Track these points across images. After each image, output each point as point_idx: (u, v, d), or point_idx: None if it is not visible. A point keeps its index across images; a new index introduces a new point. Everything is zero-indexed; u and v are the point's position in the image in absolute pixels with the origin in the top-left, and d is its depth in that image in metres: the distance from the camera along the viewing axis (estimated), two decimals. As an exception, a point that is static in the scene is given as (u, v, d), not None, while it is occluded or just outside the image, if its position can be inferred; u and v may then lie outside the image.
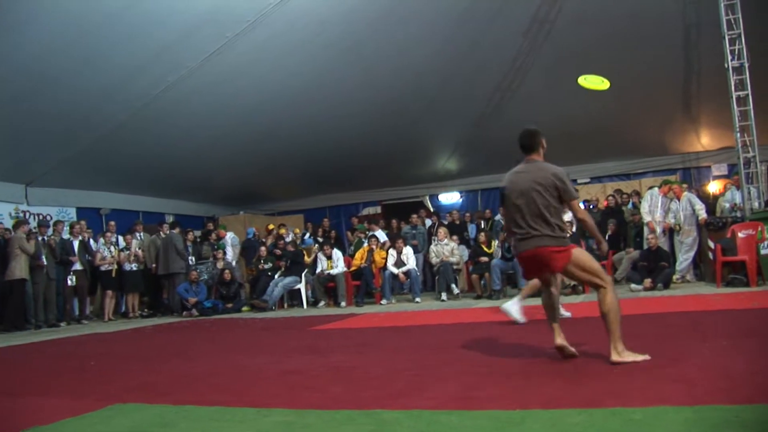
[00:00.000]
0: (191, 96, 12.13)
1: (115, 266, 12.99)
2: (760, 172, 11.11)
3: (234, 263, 14.50)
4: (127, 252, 13.15)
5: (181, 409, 4.08)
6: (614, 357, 4.50)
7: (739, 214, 11.32)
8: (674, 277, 11.04)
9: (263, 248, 14.08)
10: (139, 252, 13.34)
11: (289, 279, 12.99)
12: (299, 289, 13.16)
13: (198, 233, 15.74)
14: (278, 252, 13.71)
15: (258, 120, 13.42)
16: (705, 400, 3.34)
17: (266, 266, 13.58)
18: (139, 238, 13.73)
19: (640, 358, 4.48)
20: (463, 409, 3.60)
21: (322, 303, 12.86)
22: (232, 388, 4.73)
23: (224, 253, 14.23)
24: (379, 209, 18.41)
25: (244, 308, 13.04)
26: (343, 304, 12.42)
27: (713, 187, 14.53)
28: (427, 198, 17.80)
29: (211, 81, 11.86)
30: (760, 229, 10.14)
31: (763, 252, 10.06)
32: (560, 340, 4.90)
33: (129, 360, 6.88)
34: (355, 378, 4.80)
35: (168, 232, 13.71)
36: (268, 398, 4.23)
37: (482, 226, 14.28)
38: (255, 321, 10.84)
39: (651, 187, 12.91)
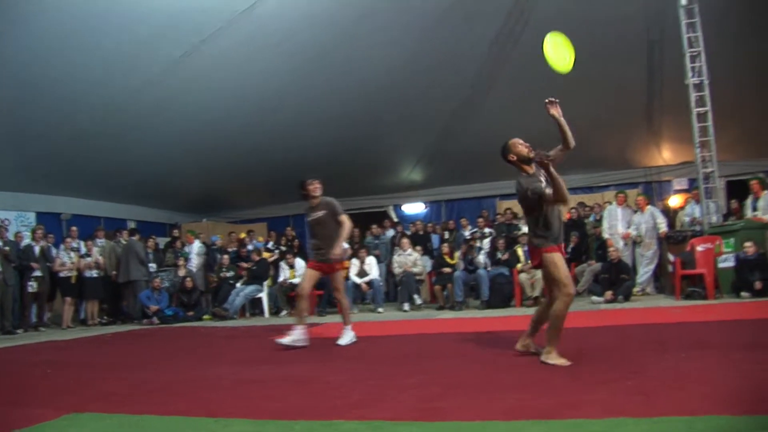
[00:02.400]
0: (156, 102, 12.03)
1: (75, 273, 12.75)
2: (719, 187, 11.29)
3: (196, 271, 14.35)
4: (89, 259, 12.92)
5: (140, 419, 4.02)
6: (543, 357, 5.05)
7: (698, 228, 11.50)
8: (635, 290, 11.15)
9: (225, 256, 13.96)
10: (100, 259, 13.13)
11: (251, 288, 12.88)
12: (261, 298, 13.06)
13: (163, 240, 15.56)
14: (244, 264, 13.60)
15: (223, 127, 13.34)
16: (663, 412, 3.37)
17: (228, 275, 13.46)
18: (99, 244, 13.51)
19: (562, 362, 4.89)
20: (422, 420, 3.59)
21: (284, 312, 12.76)
22: (192, 397, 4.65)
23: (186, 261, 14.06)
24: (342, 218, 18.32)
25: (206, 317, 12.88)
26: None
27: (674, 201, 14.73)
28: (392, 208, 17.78)
29: (177, 86, 11.76)
30: (718, 243, 10.32)
31: (720, 266, 10.24)
32: (519, 345, 5.48)
33: (87, 368, 6.70)
34: (315, 388, 4.76)
35: (128, 238, 13.51)
36: (227, 408, 4.17)
37: (445, 237, 14.29)
38: (216, 330, 10.72)
39: (608, 203, 13.08)
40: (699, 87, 11.19)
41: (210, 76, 11.83)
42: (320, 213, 7.48)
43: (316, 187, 7.60)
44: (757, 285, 9.53)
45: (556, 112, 5.30)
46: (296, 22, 11.22)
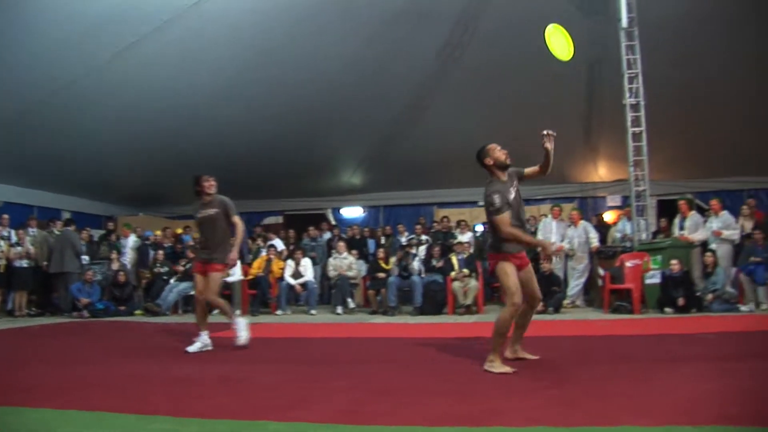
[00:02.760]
0: (97, 91, 11.80)
1: (4, 262, 12.37)
2: (650, 206, 11.58)
3: (130, 266, 14.08)
4: (19, 248, 12.55)
5: (63, 413, 3.94)
6: (486, 365, 5.09)
7: (628, 244, 11.77)
8: (565, 302, 11.34)
9: (160, 252, 13.73)
10: (32, 249, 12.76)
11: (185, 284, 12.68)
12: (193, 296, 12.85)
13: (98, 232, 15.26)
14: (180, 268, 13.37)
15: (164, 122, 13.14)
16: (581, 422, 3.46)
17: (162, 270, 13.24)
18: (31, 233, 13.13)
19: (506, 370, 4.98)
20: (348, 424, 3.60)
21: (216, 311, 12.56)
22: (118, 393, 4.57)
23: (120, 255, 13.79)
24: (281, 219, 18.23)
25: (138, 312, 12.62)
26: (237, 312, 12.16)
27: (607, 216, 15.05)
28: (330, 211, 17.75)
29: (120, 78, 11.57)
30: (646, 259, 10.58)
31: (647, 281, 10.50)
32: (509, 353, 5.55)
33: (11, 361, 6.54)
34: (243, 388, 4.73)
35: (62, 229, 13.19)
36: (152, 405, 4.11)
37: (382, 243, 14.32)
38: (147, 325, 10.54)
39: (543, 215, 13.30)
40: (635, 108, 11.48)
41: (153, 69, 11.65)
42: (212, 211, 7.27)
43: (211, 184, 7.43)
44: (680, 301, 9.84)
45: (550, 145, 5.41)
46: (243, 20, 11.15)
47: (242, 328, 7.24)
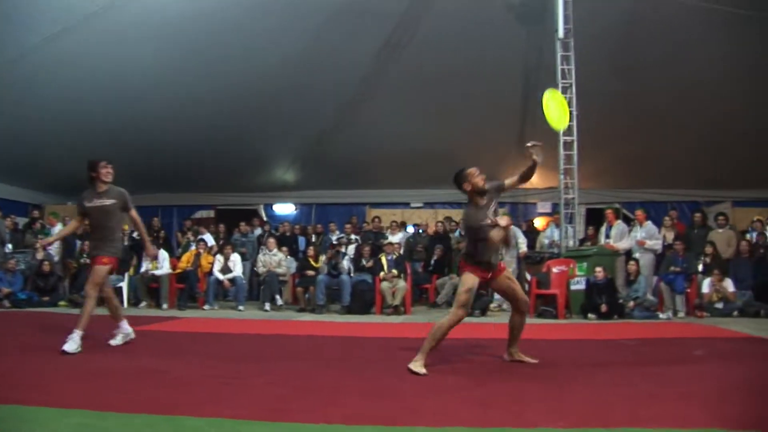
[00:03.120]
0: (27, 78, 11.56)
1: None
2: (579, 214, 11.80)
3: (56, 256, 13.68)
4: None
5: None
6: (411, 364, 5.09)
7: (555, 251, 11.98)
8: (492, 305, 11.44)
9: (87, 242, 13.35)
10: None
11: (110, 277, 12.37)
12: (121, 288, 12.59)
13: (23, 220, 14.83)
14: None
15: (95, 110, 12.85)
16: (497, 423, 3.52)
17: (88, 261, 12.87)
18: (-48, 219, 12.67)
19: (422, 372, 4.99)
20: (267, 420, 3.60)
21: (143, 304, 12.37)
22: (35, 386, 4.46)
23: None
24: (212, 213, 17.99)
25: (62, 303, 12.29)
26: (164, 306, 12.00)
27: (537, 223, 15.29)
28: (262, 207, 17.58)
29: (51, 63, 11.30)
30: (571, 266, 10.78)
31: (572, 288, 10.70)
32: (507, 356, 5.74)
33: None
34: (164, 382, 4.68)
35: (-11, 216, 12.79)
36: (68, 398, 4.03)
37: (312, 240, 14.26)
38: (70, 317, 10.19)
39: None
40: (568, 117, 11.67)
41: (84, 57, 11.40)
42: (108, 202, 6.77)
43: (108, 172, 6.93)
44: (603, 308, 10.06)
45: (539, 158, 5.44)
46: (178, 13, 10.99)
47: (124, 330, 6.93)
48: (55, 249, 13.77)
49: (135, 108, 13.04)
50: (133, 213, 6.95)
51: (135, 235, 14.48)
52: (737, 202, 15.16)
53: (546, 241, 12.59)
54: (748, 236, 12.38)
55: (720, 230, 12.02)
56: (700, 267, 10.97)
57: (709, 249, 11.21)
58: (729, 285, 10.67)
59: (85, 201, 6.81)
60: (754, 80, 12.30)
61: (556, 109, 5.63)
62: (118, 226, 6.95)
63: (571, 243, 11.83)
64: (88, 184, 6.92)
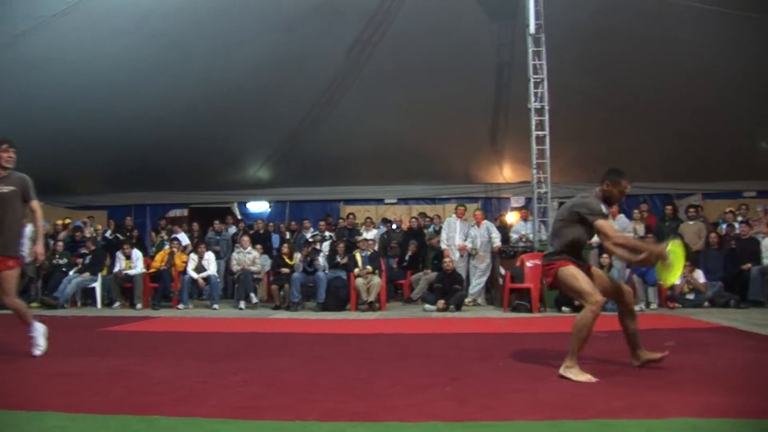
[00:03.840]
0: (-4, 74, 11.35)
1: None
2: (551, 207, 11.87)
3: (27, 257, 13.47)
4: None
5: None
6: (561, 370, 4.71)
7: (523, 243, 12.02)
8: (466, 300, 11.48)
9: (59, 243, 13.22)
10: None
11: (84, 277, 12.27)
12: (94, 288, 12.47)
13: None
14: (83, 250, 12.89)
15: (67, 108, 12.74)
16: (473, 417, 3.55)
17: (61, 261, 12.76)
18: None
19: (584, 378, 4.57)
20: (242, 419, 3.59)
21: (117, 304, 12.25)
22: (6, 389, 4.40)
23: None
24: (186, 212, 17.87)
25: (34, 304, 12.10)
26: (138, 306, 11.89)
27: (511, 217, 15.33)
28: (236, 205, 17.50)
29: (21, 61, 11.15)
30: (545, 260, 10.81)
31: (546, 281, 10.74)
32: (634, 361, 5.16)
33: None
34: (137, 382, 4.64)
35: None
36: (41, 401, 3.99)
37: (286, 238, 14.22)
38: (43, 319, 10.08)
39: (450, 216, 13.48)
40: (540, 112, 11.74)
41: (56, 53, 11.30)
42: (6, 189, 5.93)
43: (10, 156, 6.04)
44: (577, 301, 10.10)
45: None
46: (151, 10, 10.92)
47: (40, 336, 6.08)
48: (26, 249, 13.57)
49: (106, 107, 12.93)
50: (34, 204, 6.18)
51: (108, 234, 14.42)
52: (707, 194, 15.36)
53: (515, 236, 12.57)
54: (719, 228, 12.54)
55: (690, 222, 12.17)
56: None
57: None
58: (700, 276, 10.81)
59: None
60: (724, 74, 12.48)
61: (676, 263, 5.20)
62: (20, 220, 6.22)
63: (544, 237, 11.89)
64: None
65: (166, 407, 3.81)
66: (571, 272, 4.97)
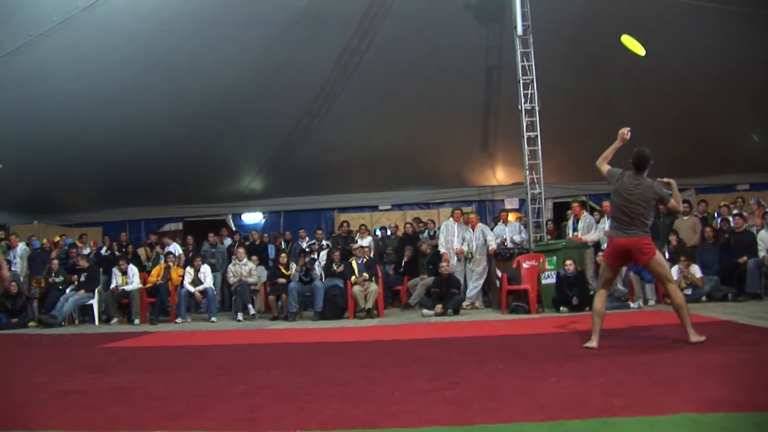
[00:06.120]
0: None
1: None
2: (545, 208, 11.88)
3: (22, 277, 13.44)
4: None
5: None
6: (692, 338, 5.91)
7: (510, 246, 12.03)
8: (464, 304, 11.46)
9: (55, 261, 13.16)
10: None
11: (80, 294, 12.23)
12: (91, 305, 12.42)
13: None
14: (78, 265, 12.83)
15: (57, 126, 12.75)
16: (474, 421, 3.53)
17: (57, 279, 12.70)
18: None
19: (702, 338, 5.91)
20: (241, 430, 3.59)
21: (114, 320, 12.22)
22: (4, 408, 4.39)
23: (10, 264, 13.14)
24: (180, 226, 17.83)
25: (31, 323, 12.07)
26: (136, 321, 11.87)
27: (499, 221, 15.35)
28: (230, 217, 17.47)
29: (9, 80, 11.16)
30: (541, 260, 10.83)
31: (543, 282, 10.76)
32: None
33: None
34: (137, 398, 4.62)
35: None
36: (41, 419, 3.98)
37: (282, 248, 14.19)
38: (41, 337, 10.11)
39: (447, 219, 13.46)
40: (530, 113, 11.78)
41: (44, 71, 11.31)
42: None
43: None
44: (575, 300, 10.11)
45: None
46: (138, 25, 10.95)
47: None
48: (19, 268, 13.54)
49: (94, 124, 12.95)
50: None
51: (103, 251, 14.37)
52: (700, 189, 15.37)
53: (498, 240, 12.49)
54: (714, 222, 12.55)
55: (685, 218, 12.17)
56: (666, 255, 11.09)
57: (672, 237, 11.36)
58: (696, 271, 10.81)
59: None
60: (715, 71, 12.53)
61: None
62: None
63: (545, 237, 11.95)
64: None
65: (166, 422, 3.80)
66: (661, 257, 6.29)
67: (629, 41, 7.34)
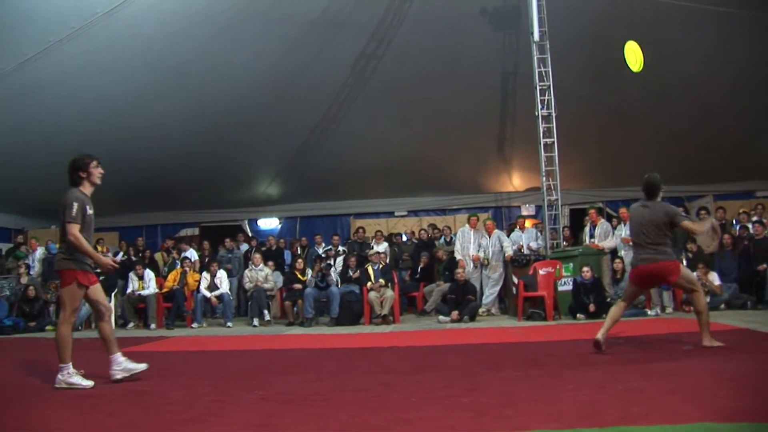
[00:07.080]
0: (5, 101, 11.47)
1: None
2: (561, 214, 11.84)
3: (40, 280, 13.54)
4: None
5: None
6: (705, 342, 6.13)
7: (526, 252, 11.99)
8: (480, 310, 11.42)
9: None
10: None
11: (98, 297, 12.29)
12: (109, 309, 12.48)
13: (6, 246, 14.73)
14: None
15: (75, 131, 12.71)
16: (491, 428, 3.51)
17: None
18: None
19: (716, 343, 6.08)
20: (255, 437, 3.56)
21: (131, 324, 12.28)
22: (23, 411, 4.43)
23: (28, 269, 13.24)
24: (197, 231, 17.90)
25: (49, 327, 12.09)
26: (153, 326, 11.93)
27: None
28: (246, 222, 17.52)
29: (28, 85, 11.23)
30: (558, 267, 10.78)
31: (560, 289, 10.70)
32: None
33: None
34: (153, 402, 4.63)
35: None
36: (58, 423, 4.01)
37: (298, 253, 14.20)
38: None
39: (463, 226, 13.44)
40: (547, 119, 11.74)
41: (63, 77, 11.33)
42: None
43: (101, 173, 5.96)
44: (591, 307, 10.04)
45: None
46: (156, 31, 11.00)
47: None
48: (36, 272, 13.64)
49: (116, 129, 12.96)
50: None
51: (120, 257, 14.42)
52: (719, 195, 15.24)
53: (514, 246, 12.44)
54: (733, 229, 12.44)
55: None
56: (684, 262, 11.01)
57: (691, 244, 11.27)
58: (715, 278, 10.72)
59: None
60: (731, 75, 12.44)
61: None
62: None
63: (563, 244, 11.91)
64: None
65: (182, 426, 3.81)
66: (686, 271, 6.61)
67: (631, 52, 7.31)
